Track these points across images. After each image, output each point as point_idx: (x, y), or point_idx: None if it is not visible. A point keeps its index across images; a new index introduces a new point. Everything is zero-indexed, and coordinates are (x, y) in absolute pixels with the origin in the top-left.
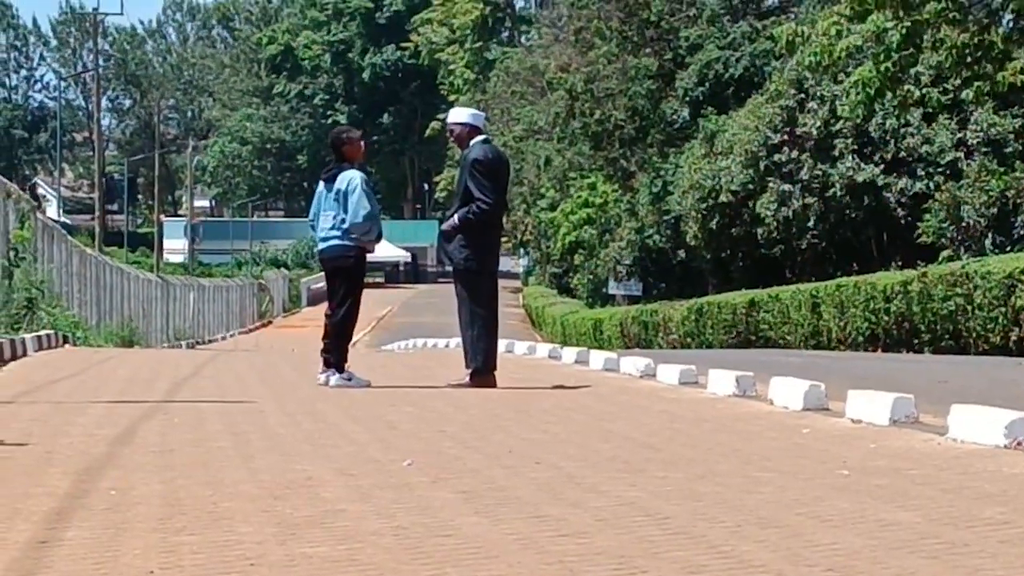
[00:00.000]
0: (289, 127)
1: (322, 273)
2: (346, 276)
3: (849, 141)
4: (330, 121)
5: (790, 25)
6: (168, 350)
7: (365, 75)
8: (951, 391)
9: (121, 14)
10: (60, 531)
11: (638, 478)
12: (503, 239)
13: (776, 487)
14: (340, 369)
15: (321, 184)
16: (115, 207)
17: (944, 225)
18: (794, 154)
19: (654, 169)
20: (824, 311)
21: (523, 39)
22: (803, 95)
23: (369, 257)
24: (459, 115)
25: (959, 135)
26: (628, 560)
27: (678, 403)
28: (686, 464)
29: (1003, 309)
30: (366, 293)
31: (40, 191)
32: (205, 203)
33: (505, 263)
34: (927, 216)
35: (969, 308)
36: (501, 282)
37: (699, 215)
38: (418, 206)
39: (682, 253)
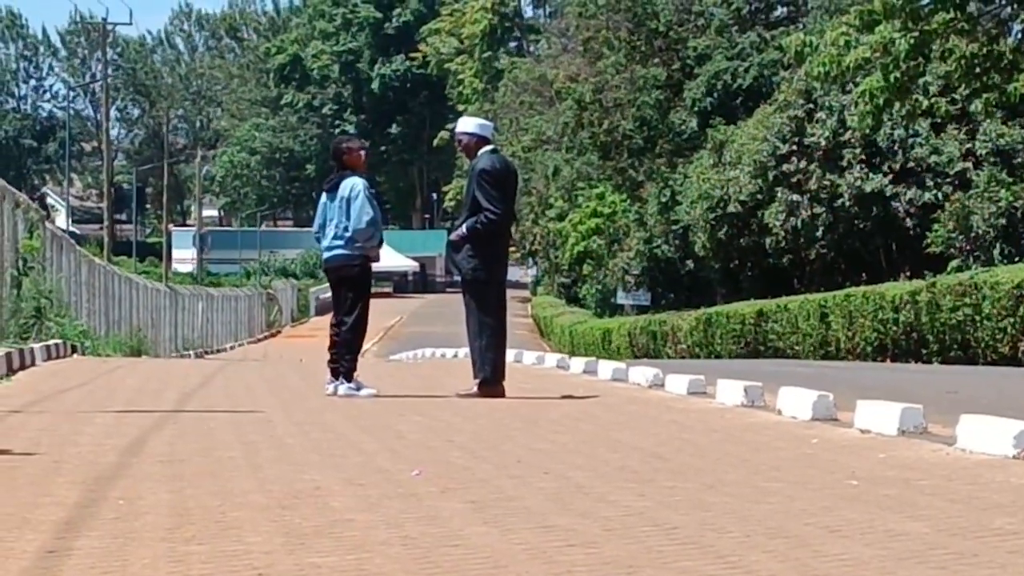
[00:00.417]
0: (298, 137)
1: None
2: (351, 285)
3: (858, 151)
4: (339, 131)
5: (799, 35)
6: (176, 360)
7: (374, 85)
8: (960, 401)
9: (130, 23)
10: (69, 541)
11: (647, 488)
12: (511, 249)
13: (784, 497)
14: (349, 378)
15: (324, 195)
16: (124, 217)
17: (953, 235)
18: (802, 164)
19: (662, 179)
20: (833, 321)
21: (532, 49)
22: (812, 105)
23: (378, 267)
24: (468, 125)
25: (968, 145)
26: (637, 570)
27: (687, 413)
28: (695, 474)
29: (1012, 319)
30: (374, 303)
31: (49, 201)
32: (214, 213)
33: (513, 273)
34: (936, 226)
35: (978, 318)
36: (509, 292)
37: (707, 225)
38: (427, 216)
39: (691, 263)
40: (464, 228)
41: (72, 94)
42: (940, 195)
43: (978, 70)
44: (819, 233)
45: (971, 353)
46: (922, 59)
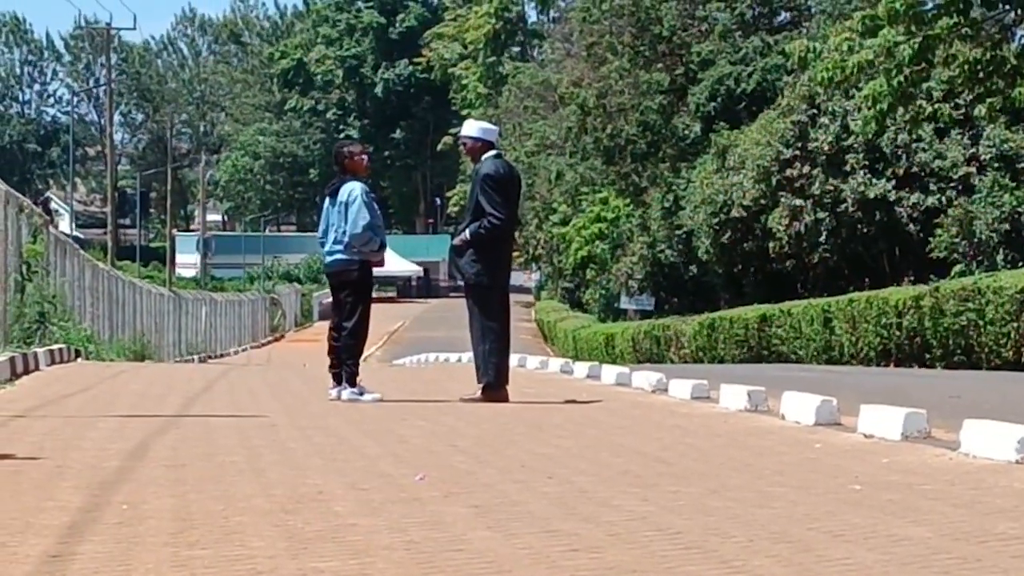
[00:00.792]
0: (301, 142)
1: None
2: (352, 290)
3: (861, 156)
4: (342, 136)
5: (802, 41)
6: (180, 364)
7: (377, 90)
8: (963, 406)
9: (134, 28)
10: (73, 545)
11: (650, 493)
12: (515, 254)
13: (788, 502)
14: (352, 383)
15: (326, 200)
16: (127, 221)
17: (956, 240)
18: (806, 169)
19: (666, 184)
20: (836, 326)
21: (535, 54)
22: (815, 110)
23: (381, 271)
24: (472, 129)
25: (971, 150)
26: (640, 575)
27: (690, 418)
28: (698, 479)
29: (1015, 324)
30: (378, 307)
31: (53, 205)
32: (217, 217)
33: (517, 278)
34: (939, 231)
35: (981, 323)
36: (513, 297)
37: (711, 230)
38: (430, 221)
39: (694, 268)
40: (467, 233)
41: (76, 99)
42: (943, 200)
43: (981, 75)
44: (822, 238)
45: (974, 358)
46: (925, 64)
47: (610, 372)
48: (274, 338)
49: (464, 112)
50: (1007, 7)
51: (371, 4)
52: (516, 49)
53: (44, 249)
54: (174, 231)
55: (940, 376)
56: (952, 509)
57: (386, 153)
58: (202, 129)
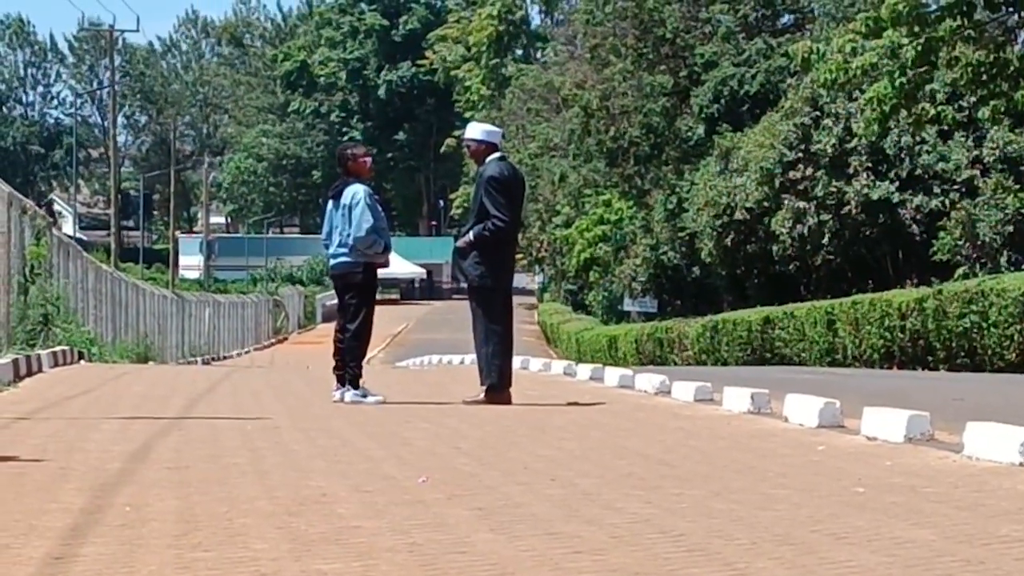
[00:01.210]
0: (304, 144)
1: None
2: (356, 292)
3: (864, 158)
4: (346, 138)
5: (805, 42)
6: (183, 366)
7: (380, 92)
8: (966, 408)
9: (137, 31)
10: (76, 547)
11: (653, 495)
12: (518, 256)
13: (791, 504)
14: (355, 385)
15: (329, 202)
16: (131, 223)
17: (959, 242)
18: (809, 171)
19: (669, 186)
20: (839, 328)
21: (538, 56)
22: (818, 112)
23: (384, 273)
24: (476, 131)
25: (975, 153)
26: None
27: (693, 420)
28: (701, 481)
29: (1019, 326)
30: (381, 310)
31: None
32: (220, 219)
33: (520, 280)
34: (942, 233)
35: (984, 325)
36: (516, 299)
37: (714, 232)
38: (433, 223)
39: (697, 270)
40: (471, 235)
41: (79, 101)
42: (947, 202)
43: (985, 77)
44: (825, 240)
45: (978, 360)
46: (929, 66)
47: (613, 374)
48: (277, 340)
49: (467, 114)
50: (1011, 9)
51: (374, 6)
52: (519, 51)
53: (47, 251)
54: (177, 233)
55: (943, 378)
56: (955, 512)
57: (389, 155)
58: (205, 131)
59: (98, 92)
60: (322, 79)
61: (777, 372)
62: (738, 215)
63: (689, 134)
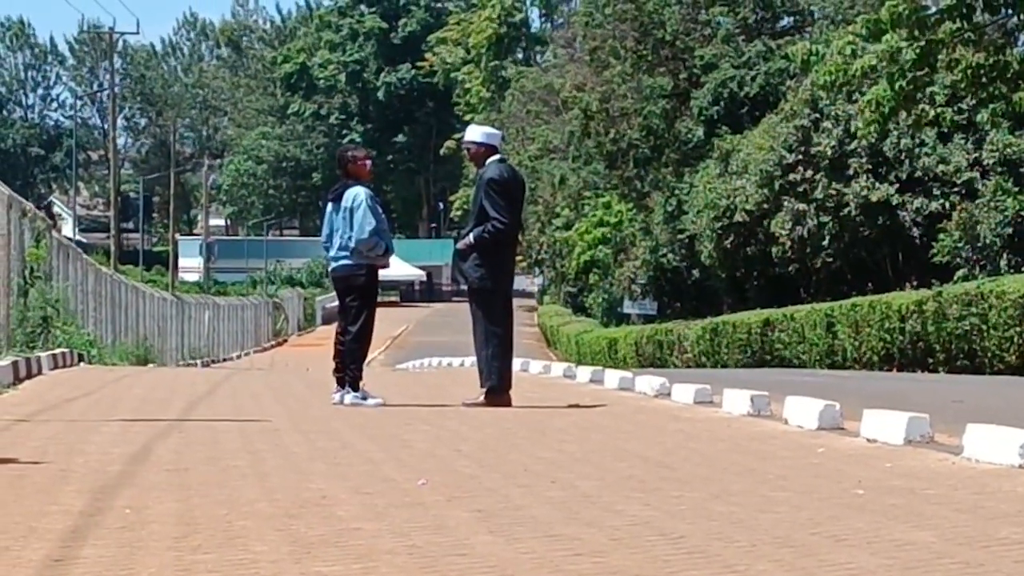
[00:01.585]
0: (304, 146)
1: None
2: (358, 294)
3: (864, 160)
4: (346, 140)
5: (805, 44)
6: (183, 368)
7: (380, 94)
8: (966, 411)
9: (137, 33)
10: (75, 549)
11: (653, 497)
12: (518, 258)
13: (791, 506)
14: (355, 387)
15: (329, 204)
16: (130, 226)
17: (959, 245)
18: (809, 173)
19: (669, 188)
20: (839, 330)
21: (538, 58)
22: (818, 115)
23: (384, 275)
24: (475, 134)
25: (974, 155)
26: None
27: (693, 422)
28: (701, 483)
29: (1018, 329)
30: (381, 312)
31: (56, 210)
32: (220, 222)
33: (520, 282)
34: (942, 236)
35: (984, 328)
36: (516, 301)
37: (714, 234)
38: (433, 225)
39: (697, 272)
40: (471, 237)
41: (79, 103)
42: (947, 204)
43: (984, 80)
44: (825, 242)
45: (977, 362)
46: (928, 69)
47: (613, 377)
48: (277, 342)
49: (467, 117)
50: (1010, 12)
51: (374, 9)
52: (519, 54)
53: (47, 253)
54: (177, 235)
55: (943, 381)
56: (955, 514)
57: (389, 157)
58: (205, 133)
59: (98, 94)
60: (322, 81)
61: (777, 374)
62: (738, 217)
63: (689, 136)
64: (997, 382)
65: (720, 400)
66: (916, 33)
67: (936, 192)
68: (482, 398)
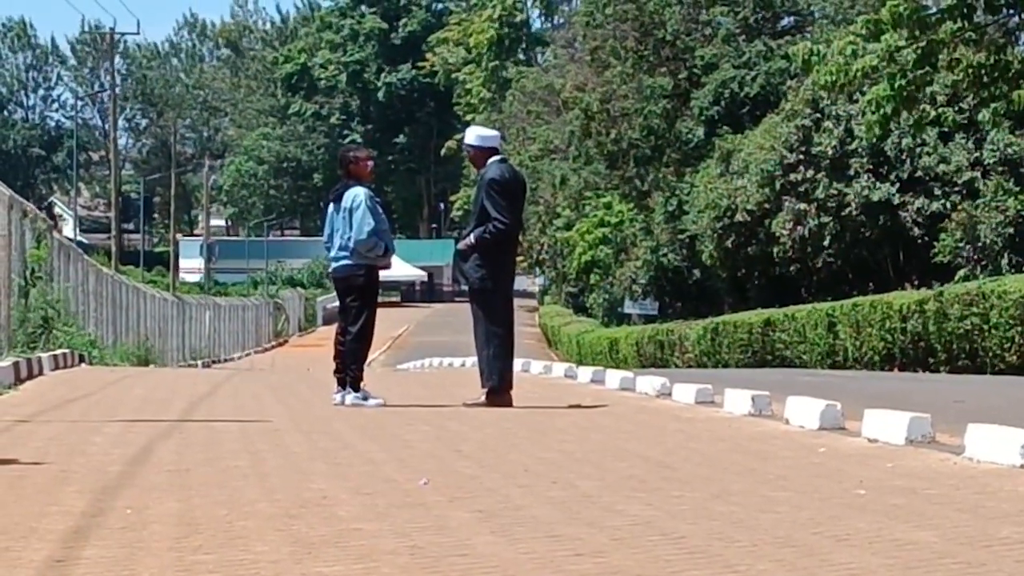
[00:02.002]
0: (305, 146)
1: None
2: (358, 294)
3: (865, 160)
4: (346, 141)
5: (806, 44)
6: (184, 369)
7: (381, 95)
8: (967, 411)
9: (137, 33)
10: (76, 550)
11: (654, 497)
12: (519, 258)
13: (792, 506)
14: (356, 388)
15: (330, 205)
16: (131, 226)
17: (960, 244)
18: (810, 173)
19: (669, 188)
20: (840, 330)
21: (539, 59)
22: (819, 114)
23: (385, 275)
24: (472, 137)
25: (975, 154)
26: None
27: (694, 422)
28: (702, 483)
29: (1020, 328)
30: (381, 312)
31: (57, 210)
32: (221, 222)
33: (521, 282)
34: (943, 235)
35: (985, 327)
36: (517, 301)
37: (715, 234)
38: (434, 226)
39: (698, 272)
40: (472, 237)
41: (80, 104)
42: (947, 204)
43: (985, 79)
44: (826, 242)
45: (979, 362)
46: (929, 68)
47: (614, 377)
48: (278, 343)
49: (468, 117)
50: (1011, 11)
51: (374, 9)
52: (520, 54)
53: (48, 254)
54: (178, 236)
55: (944, 380)
56: (956, 514)
57: (389, 158)
58: (206, 134)
59: (99, 95)
60: (322, 82)
61: (778, 374)
62: (739, 217)
63: (689, 136)
64: (998, 382)
65: (721, 400)
66: (917, 33)
67: (937, 192)
68: (483, 398)
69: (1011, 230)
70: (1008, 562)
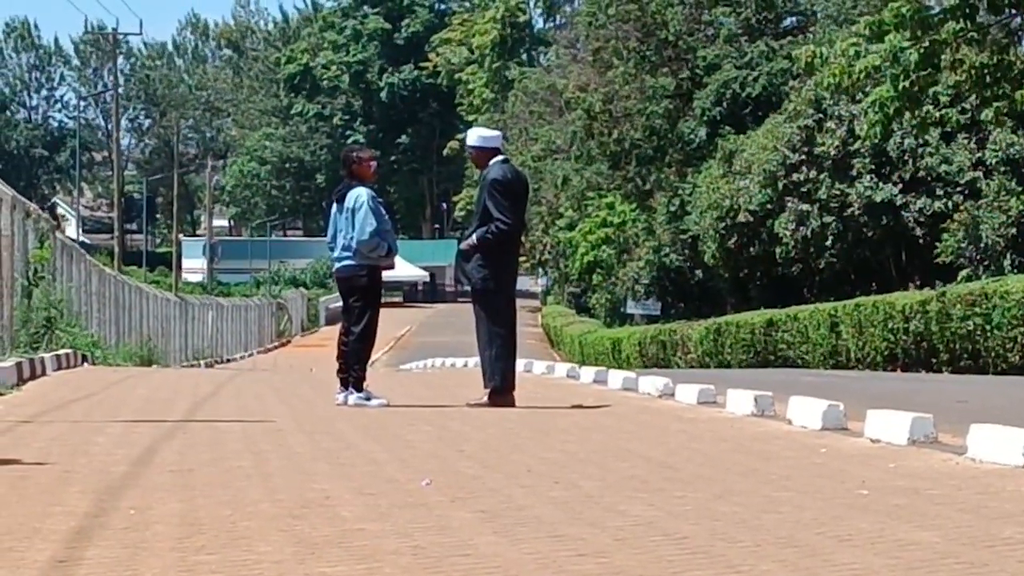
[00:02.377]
0: (307, 147)
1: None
2: (360, 295)
3: (867, 160)
4: (349, 141)
5: (809, 47)
6: (187, 369)
7: (383, 95)
8: (970, 411)
9: (140, 34)
10: (79, 550)
11: (656, 498)
12: (521, 259)
13: (794, 507)
14: (359, 388)
15: (333, 205)
16: (134, 227)
17: (963, 245)
18: (812, 173)
19: (672, 188)
20: (843, 330)
21: (541, 59)
22: (821, 115)
23: (387, 276)
24: (473, 138)
25: (978, 155)
26: None
27: (696, 423)
28: (704, 484)
29: (1022, 329)
30: (384, 312)
31: (59, 211)
32: (224, 223)
33: (523, 283)
34: (945, 236)
35: (988, 328)
36: (519, 302)
37: (717, 234)
38: (436, 226)
39: (700, 272)
40: (474, 237)
41: (83, 104)
42: (950, 205)
43: (988, 80)
44: (829, 242)
45: (981, 363)
46: (932, 69)
47: (616, 377)
48: (280, 343)
49: (471, 117)
50: (1013, 11)
51: (377, 10)
52: (523, 55)
53: (51, 254)
54: (180, 236)
55: (947, 381)
56: (959, 514)
57: (392, 158)
58: (208, 134)
59: (102, 95)
60: (325, 82)
61: (780, 374)
62: (741, 217)
63: (691, 137)
64: (1001, 382)
65: (724, 400)
66: (919, 34)
67: (939, 192)
68: (485, 398)
69: (1014, 230)
70: (1011, 562)
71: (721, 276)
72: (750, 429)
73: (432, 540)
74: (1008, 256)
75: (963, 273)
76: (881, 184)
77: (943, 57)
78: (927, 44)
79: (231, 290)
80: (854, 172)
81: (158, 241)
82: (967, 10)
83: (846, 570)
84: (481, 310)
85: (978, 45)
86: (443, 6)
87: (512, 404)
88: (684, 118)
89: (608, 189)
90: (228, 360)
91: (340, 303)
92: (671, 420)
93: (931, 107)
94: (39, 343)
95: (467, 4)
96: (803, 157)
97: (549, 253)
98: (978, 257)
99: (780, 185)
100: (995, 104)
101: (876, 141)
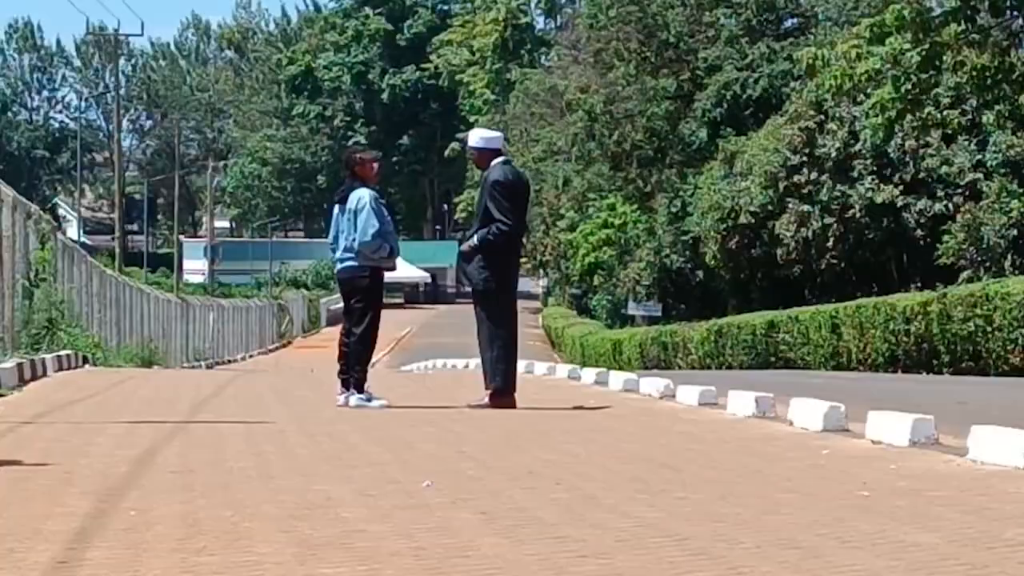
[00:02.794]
0: (309, 148)
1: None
2: (362, 296)
3: (868, 162)
4: (350, 142)
5: (810, 49)
6: (188, 370)
7: (385, 96)
8: (971, 412)
9: (141, 35)
10: (81, 552)
11: (658, 499)
12: (522, 260)
13: (796, 508)
14: (360, 389)
15: (335, 206)
16: (135, 228)
17: (964, 246)
18: (813, 175)
19: (673, 190)
20: (844, 332)
21: (543, 60)
22: (822, 116)
23: (389, 277)
24: (475, 139)
25: (978, 156)
26: None
27: (697, 424)
28: (706, 485)
29: (1023, 330)
30: (385, 313)
31: (60, 212)
32: (225, 224)
33: (524, 284)
34: (946, 237)
35: (989, 329)
36: (520, 303)
37: (718, 236)
38: (438, 227)
39: (701, 274)
40: (475, 239)
41: (84, 105)
42: (951, 206)
43: (989, 82)
44: (830, 244)
45: (982, 364)
46: (933, 71)
47: (618, 378)
48: (281, 344)
49: (472, 119)
50: (1014, 14)
51: (379, 11)
52: (524, 56)
53: (52, 255)
54: (181, 237)
55: (948, 382)
56: (960, 515)
57: (393, 159)
58: (209, 135)
59: (103, 96)
60: (326, 83)
61: (781, 376)
62: (742, 219)
63: (692, 138)
64: (1002, 383)
65: (725, 402)
66: (920, 36)
67: (940, 194)
68: (486, 400)
69: (1014, 232)
70: (1012, 564)
71: (722, 277)
72: (751, 430)
73: (434, 541)
74: (1009, 257)
75: (964, 275)
76: (882, 186)
77: (944, 59)
78: (928, 46)
79: (232, 291)
80: (855, 174)
81: (159, 242)
82: (968, 12)
83: (847, 571)
84: (482, 311)
85: (979, 47)
86: (445, 7)
87: (513, 405)
88: (685, 119)
89: (609, 190)
90: (229, 361)
91: (341, 304)
92: (672, 421)
93: (932, 109)
94: (40, 344)
95: (468, 5)
96: (804, 159)
97: (550, 254)
98: (979, 258)
99: (781, 186)
100: (996, 106)
101: (877, 143)
